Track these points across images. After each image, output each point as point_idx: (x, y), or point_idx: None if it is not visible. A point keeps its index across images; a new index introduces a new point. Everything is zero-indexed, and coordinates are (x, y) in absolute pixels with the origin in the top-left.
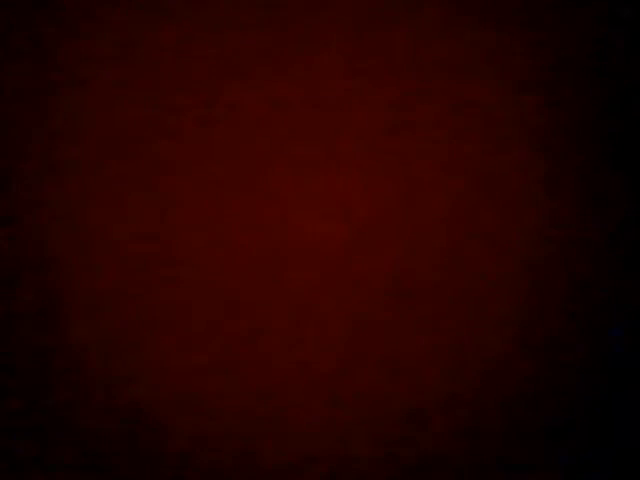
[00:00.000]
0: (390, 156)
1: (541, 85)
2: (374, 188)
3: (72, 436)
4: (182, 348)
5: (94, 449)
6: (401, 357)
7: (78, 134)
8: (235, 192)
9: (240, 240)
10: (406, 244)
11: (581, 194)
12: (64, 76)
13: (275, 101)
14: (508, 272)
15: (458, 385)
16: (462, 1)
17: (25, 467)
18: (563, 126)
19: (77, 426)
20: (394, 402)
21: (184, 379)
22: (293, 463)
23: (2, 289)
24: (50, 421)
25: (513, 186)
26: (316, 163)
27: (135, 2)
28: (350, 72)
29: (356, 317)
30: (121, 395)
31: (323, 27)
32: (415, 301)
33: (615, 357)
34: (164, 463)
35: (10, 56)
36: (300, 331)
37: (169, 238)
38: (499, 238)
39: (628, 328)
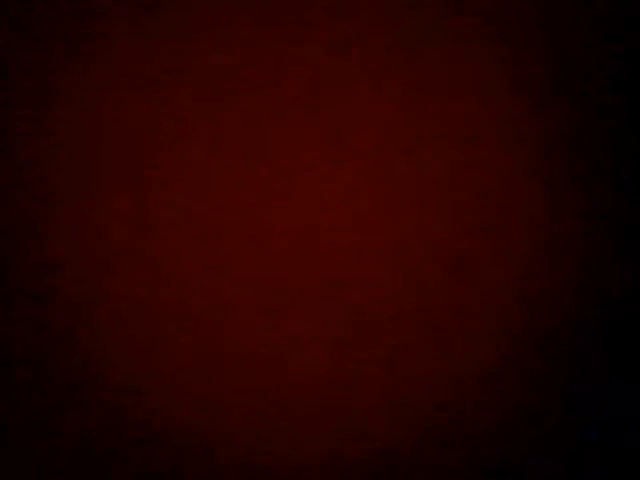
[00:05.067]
0: (394, 159)
1: (542, 92)
2: (377, 189)
3: (77, 439)
4: (187, 351)
5: (97, 452)
6: (406, 358)
7: (79, 134)
8: (238, 194)
9: (245, 242)
10: (410, 247)
11: (583, 198)
12: (65, 78)
13: (276, 103)
14: (511, 277)
15: (464, 386)
16: (465, 9)
17: (27, 466)
18: (564, 132)
19: (81, 430)
20: (396, 404)
21: (191, 381)
22: (302, 465)
23: (2, 291)
24: (52, 422)
25: (516, 192)
26: (319, 165)
27: (138, 5)
28: (354, 73)
29: (362, 318)
30: (128, 398)
31: (326, 27)
32: (418, 302)
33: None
34: (169, 465)
35: (11, 56)
36: (305, 332)
37: (173, 242)
38: (502, 242)
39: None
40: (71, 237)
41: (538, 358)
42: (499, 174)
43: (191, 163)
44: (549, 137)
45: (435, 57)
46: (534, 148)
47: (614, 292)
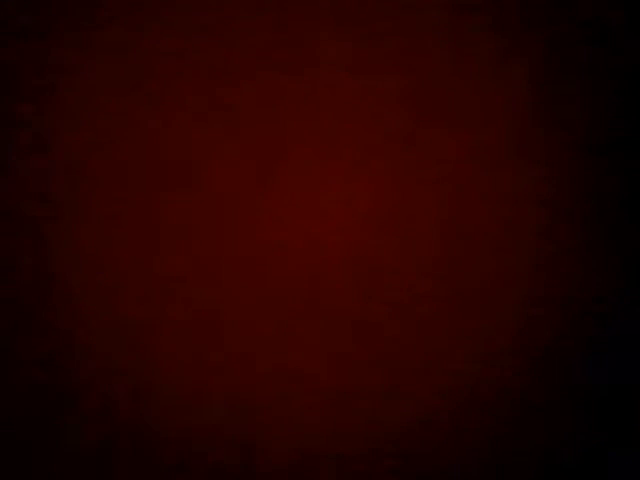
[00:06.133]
0: (391, 157)
1: (540, 91)
2: (375, 189)
3: (74, 434)
4: (183, 348)
5: (95, 447)
6: (401, 359)
7: (77, 135)
8: (236, 194)
9: (242, 242)
10: (407, 248)
11: (582, 196)
12: (64, 77)
13: (276, 102)
14: (508, 276)
15: (458, 384)
16: (464, 6)
17: (25, 462)
18: (562, 130)
19: (79, 427)
20: (391, 404)
21: (184, 378)
22: (295, 462)
23: (2, 289)
24: (51, 419)
25: (514, 190)
26: (317, 166)
27: (135, 4)
28: (353, 72)
29: (357, 319)
30: (121, 394)
31: (325, 26)
32: (415, 304)
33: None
34: (163, 462)
35: (10, 56)
36: (302, 331)
37: (168, 238)
38: (499, 241)
39: (627, 328)
40: (71, 242)
41: (540, 361)
42: (501, 178)
43: (191, 166)
44: (551, 138)
45: (437, 55)
46: (538, 150)
47: (614, 299)
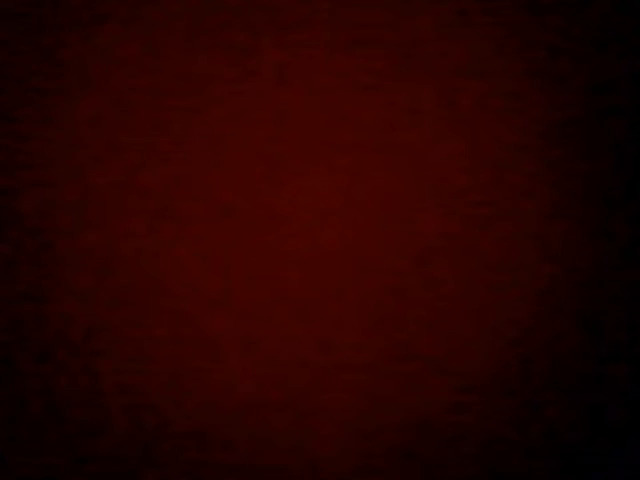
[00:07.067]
0: (388, 159)
1: (541, 87)
2: (372, 190)
3: (70, 431)
4: (186, 347)
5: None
6: (401, 361)
7: (80, 136)
8: (238, 198)
9: (240, 244)
10: (409, 247)
11: (582, 195)
12: (67, 79)
13: (275, 105)
14: (508, 276)
15: (463, 387)
16: (460, 2)
17: (23, 458)
18: (564, 126)
19: (74, 422)
20: (394, 406)
21: (185, 377)
22: (296, 462)
23: (2, 289)
24: (48, 415)
25: (514, 188)
26: (315, 167)
27: (140, 6)
28: (349, 73)
29: (357, 319)
30: (121, 395)
31: (320, 30)
32: (416, 304)
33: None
34: (161, 461)
35: (16, 58)
36: (300, 333)
37: (169, 239)
38: (499, 241)
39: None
40: (75, 247)
41: (542, 358)
42: (501, 176)
43: (193, 170)
44: (551, 137)
45: (437, 54)
46: (538, 149)
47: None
